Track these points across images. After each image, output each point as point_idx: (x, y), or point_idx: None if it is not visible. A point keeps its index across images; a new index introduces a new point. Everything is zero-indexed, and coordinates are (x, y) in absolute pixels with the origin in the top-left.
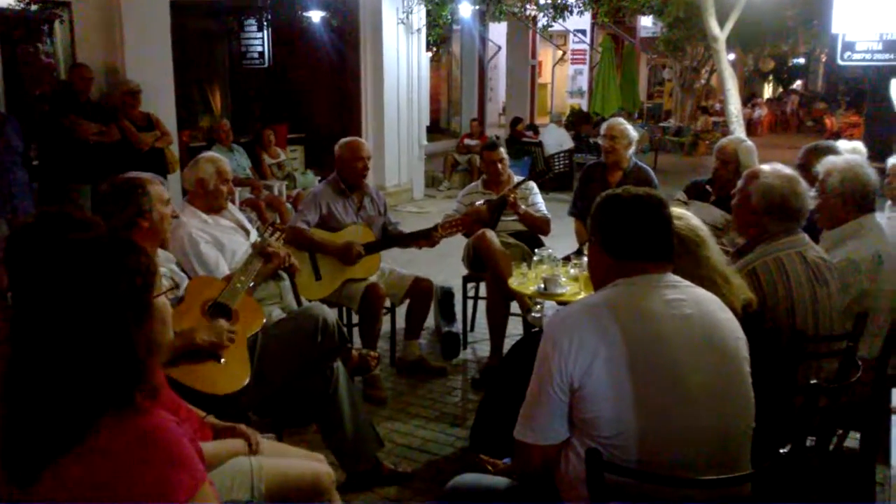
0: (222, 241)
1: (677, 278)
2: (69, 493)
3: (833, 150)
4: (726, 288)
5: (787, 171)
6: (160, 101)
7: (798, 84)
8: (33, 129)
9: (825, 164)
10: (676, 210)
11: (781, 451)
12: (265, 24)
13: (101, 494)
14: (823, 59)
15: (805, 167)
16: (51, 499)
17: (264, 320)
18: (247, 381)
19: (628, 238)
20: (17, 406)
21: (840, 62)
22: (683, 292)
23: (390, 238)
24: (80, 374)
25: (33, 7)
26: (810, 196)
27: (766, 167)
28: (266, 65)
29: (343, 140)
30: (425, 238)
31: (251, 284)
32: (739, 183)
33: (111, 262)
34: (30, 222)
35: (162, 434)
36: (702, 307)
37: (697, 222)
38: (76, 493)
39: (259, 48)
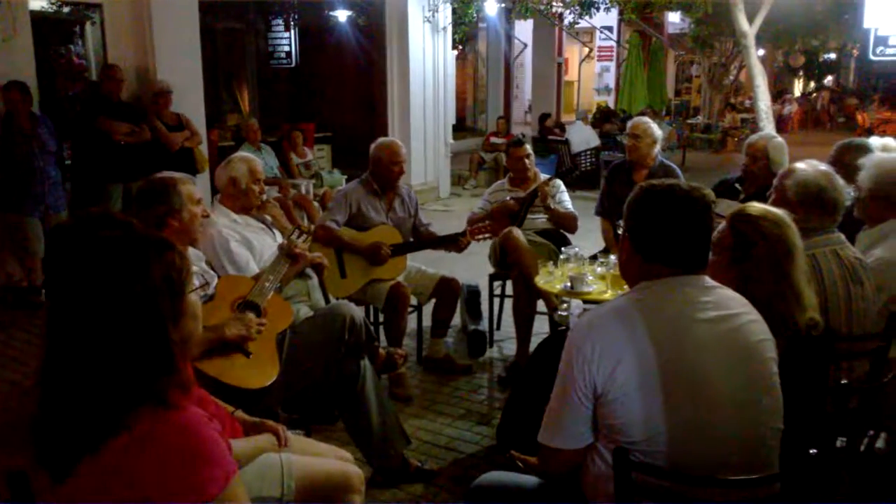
0: (252, 240)
1: (705, 279)
2: (102, 487)
3: (866, 147)
4: (794, 304)
5: (823, 165)
6: (189, 100)
7: (829, 80)
8: (66, 130)
9: (870, 159)
10: (781, 216)
11: (811, 451)
12: (292, 23)
13: (133, 488)
14: (855, 55)
15: (838, 164)
16: (85, 492)
17: (293, 318)
18: (275, 377)
19: (662, 243)
20: (53, 399)
21: (872, 57)
22: (709, 294)
23: (418, 241)
24: (115, 369)
25: (65, 9)
26: (847, 192)
27: (800, 164)
28: (293, 64)
29: (381, 140)
30: (452, 243)
31: (279, 285)
32: (775, 182)
33: (148, 258)
34: (70, 222)
35: (194, 430)
36: (727, 309)
37: (796, 235)
38: (109, 487)
39: (286, 47)
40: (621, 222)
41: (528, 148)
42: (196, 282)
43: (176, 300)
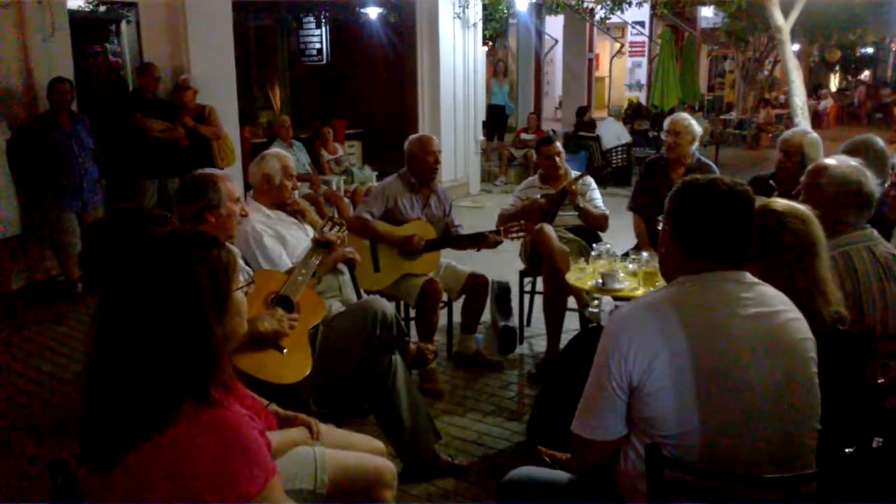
0: (284, 235)
1: (747, 275)
2: (144, 480)
3: (871, 143)
4: (820, 300)
5: (852, 160)
6: (222, 98)
7: (866, 74)
8: (102, 127)
9: None
10: (805, 212)
11: (847, 451)
12: (323, 21)
13: (175, 483)
14: (894, 49)
15: None
16: (127, 484)
17: (325, 313)
18: (309, 371)
19: (705, 238)
20: (99, 394)
21: None
22: (750, 290)
23: (451, 238)
24: (160, 366)
25: (101, 8)
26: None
27: (830, 160)
28: (324, 61)
29: (413, 136)
30: (484, 240)
31: (312, 275)
32: (803, 178)
33: (194, 256)
34: (108, 218)
35: (236, 428)
36: (768, 306)
37: (820, 230)
38: (150, 480)
39: (317, 45)
40: (661, 217)
41: (559, 146)
42: (241, 278)
43: (221, 297)
